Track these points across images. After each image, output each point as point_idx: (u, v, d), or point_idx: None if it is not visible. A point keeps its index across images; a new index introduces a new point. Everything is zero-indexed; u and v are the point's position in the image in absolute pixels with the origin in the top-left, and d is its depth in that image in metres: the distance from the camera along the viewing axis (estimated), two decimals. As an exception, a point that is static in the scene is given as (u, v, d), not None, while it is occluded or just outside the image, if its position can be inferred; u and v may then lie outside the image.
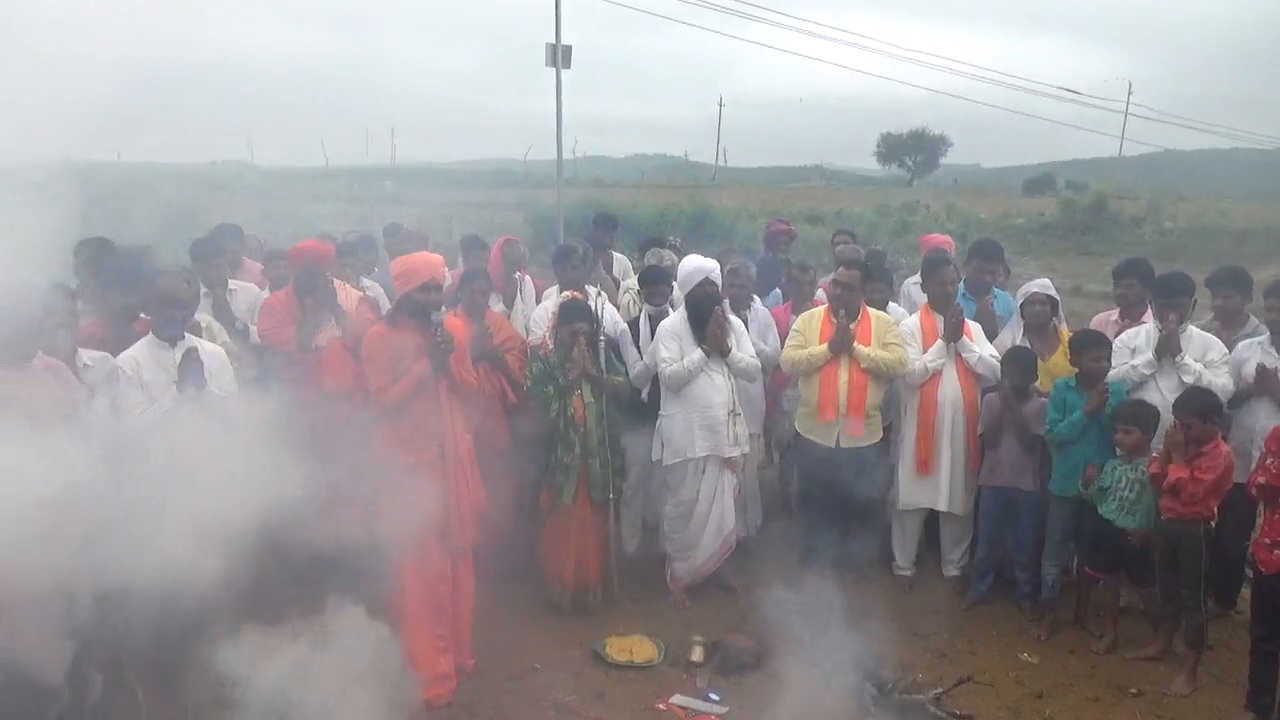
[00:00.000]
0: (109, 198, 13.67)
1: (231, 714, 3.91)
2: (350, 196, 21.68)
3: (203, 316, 5.09)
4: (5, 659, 3.47)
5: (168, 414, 4.14)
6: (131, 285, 4.75)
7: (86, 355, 4.29)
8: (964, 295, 5.76)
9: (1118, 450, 4.71)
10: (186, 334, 4.40)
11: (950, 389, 5.30)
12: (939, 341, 5.30)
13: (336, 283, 5.33)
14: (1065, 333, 5.40)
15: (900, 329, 5.41)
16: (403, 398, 4.27)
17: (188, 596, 3.89)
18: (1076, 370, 4.96)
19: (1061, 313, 5.61)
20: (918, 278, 6.06)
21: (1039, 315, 5.36)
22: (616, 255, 7.36)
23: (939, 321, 5.37)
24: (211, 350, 4.48)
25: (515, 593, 5.26)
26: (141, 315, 4.63)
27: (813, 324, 5.40)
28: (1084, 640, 4.94)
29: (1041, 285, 5.45)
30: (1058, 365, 5.23)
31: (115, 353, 4.36)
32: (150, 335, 4.33)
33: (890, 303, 5.97)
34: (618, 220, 8.28)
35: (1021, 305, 5.47)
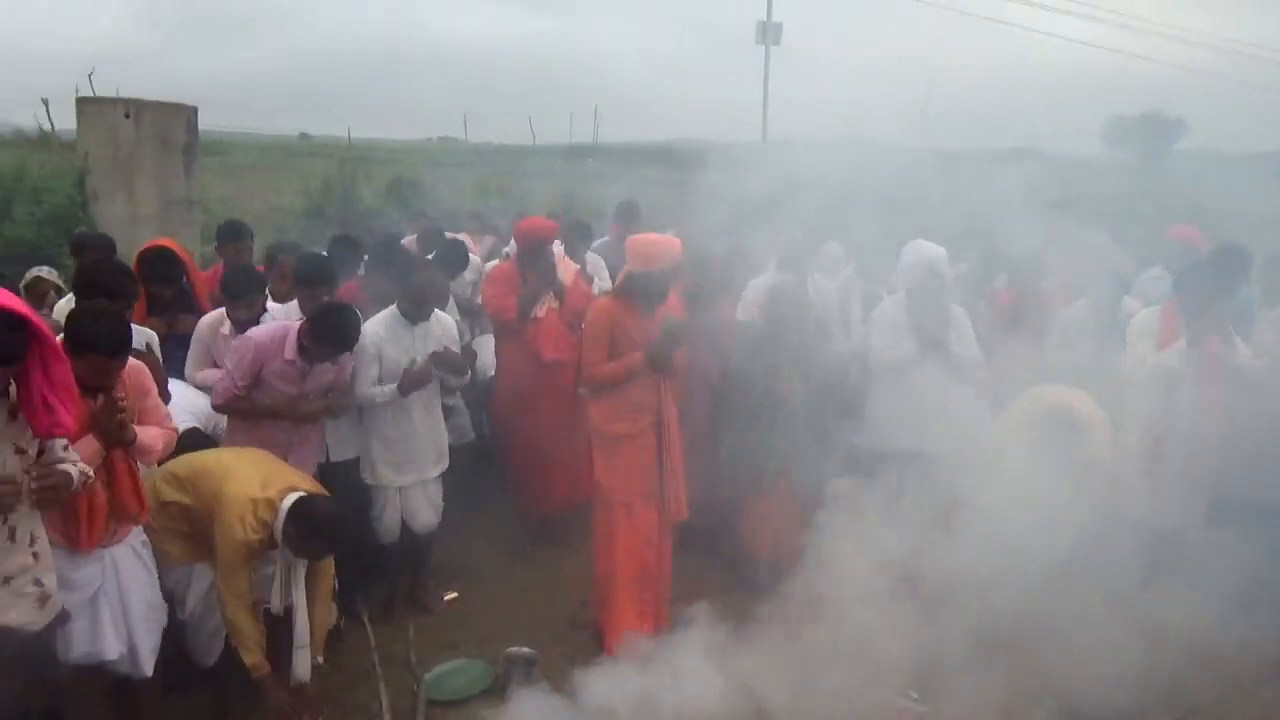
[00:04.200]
0: (342, 170, 14.81)
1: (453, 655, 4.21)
2: (555, 173, 22.43)
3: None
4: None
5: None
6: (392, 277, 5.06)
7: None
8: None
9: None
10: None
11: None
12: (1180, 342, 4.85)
13: (557, 256, 5.53)
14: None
15: (1134, 324, 5.01)
16: (613, 379, 4.36)
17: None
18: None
19: None
20: (1158, 271, 5.60)
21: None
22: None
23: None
24: (446, 321, 4.82)
25: (709, 566, 5.31)
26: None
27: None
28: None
29: None
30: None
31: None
32: (395, 310, 4.65)
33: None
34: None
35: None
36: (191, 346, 4.54)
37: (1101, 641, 4.17)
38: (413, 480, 4.75)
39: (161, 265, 4.59)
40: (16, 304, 2.54)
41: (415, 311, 4.62)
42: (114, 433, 3.10)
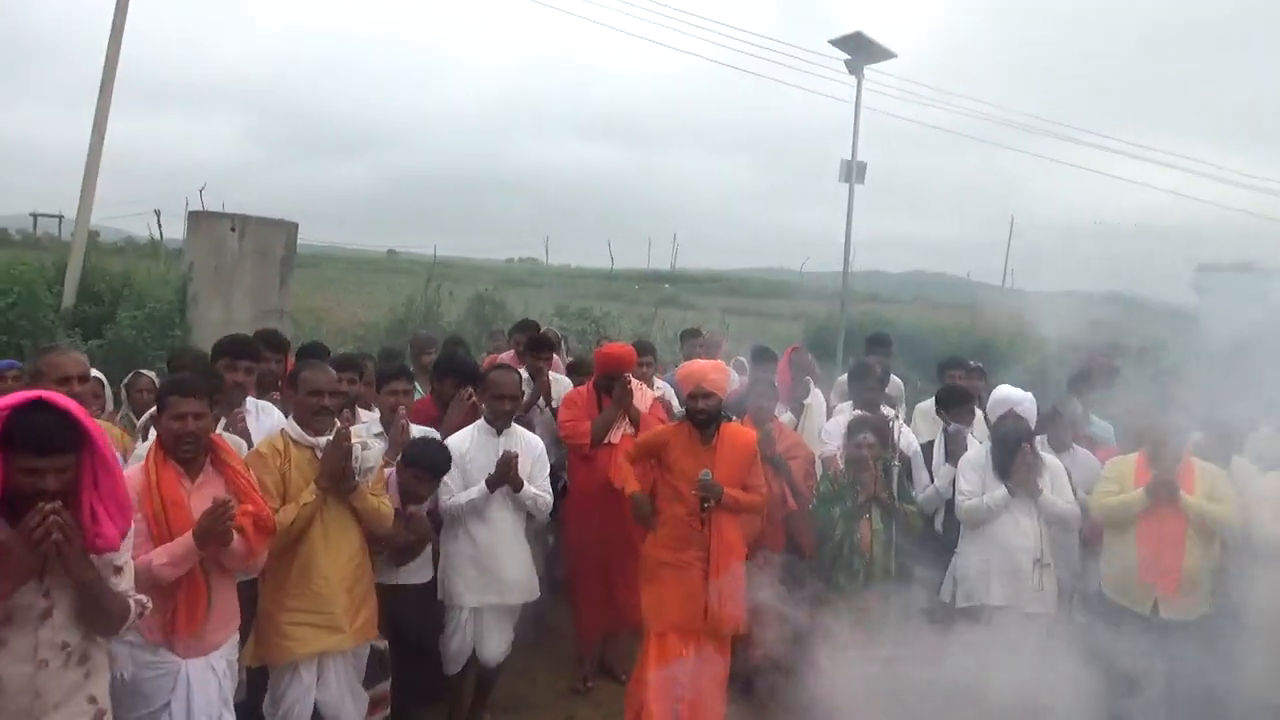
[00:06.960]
0: (427, 287, 15.27)
1: None
2: (632, 298, 22.83)
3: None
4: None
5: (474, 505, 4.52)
6: (462, 375, 5.18)
7: (415, 427, 4.68)
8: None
9: None
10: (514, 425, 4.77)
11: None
12: None
13: (634, 383, 5.50)
14: None
15: (1258, 490, 4.68)
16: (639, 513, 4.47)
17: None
18: None
19: None
20: (1271, 430, 5.26)
21: None
22: (893, 378, 6.95)
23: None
24: (533, 440, 4.81)
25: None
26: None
27: (1126, 469, 4.86)
28: None
29: None
30: None
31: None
32: (481, 421, 4.69)
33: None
34: (892, 339, 7.70)
35: None
36: None
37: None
38: (490, 602, 4.62)
39: (274, 338, 5.09)
40: (71, 405, 2.55)
41: (496, 419, 4.69)
42: (216, 536, 3.17)
